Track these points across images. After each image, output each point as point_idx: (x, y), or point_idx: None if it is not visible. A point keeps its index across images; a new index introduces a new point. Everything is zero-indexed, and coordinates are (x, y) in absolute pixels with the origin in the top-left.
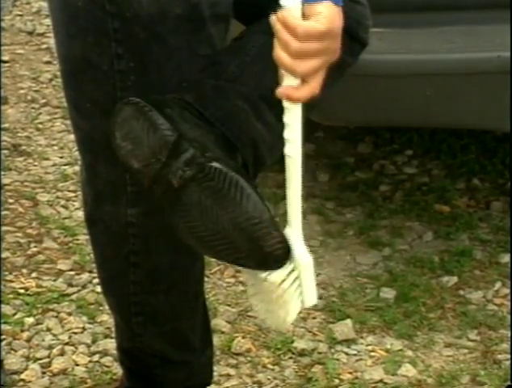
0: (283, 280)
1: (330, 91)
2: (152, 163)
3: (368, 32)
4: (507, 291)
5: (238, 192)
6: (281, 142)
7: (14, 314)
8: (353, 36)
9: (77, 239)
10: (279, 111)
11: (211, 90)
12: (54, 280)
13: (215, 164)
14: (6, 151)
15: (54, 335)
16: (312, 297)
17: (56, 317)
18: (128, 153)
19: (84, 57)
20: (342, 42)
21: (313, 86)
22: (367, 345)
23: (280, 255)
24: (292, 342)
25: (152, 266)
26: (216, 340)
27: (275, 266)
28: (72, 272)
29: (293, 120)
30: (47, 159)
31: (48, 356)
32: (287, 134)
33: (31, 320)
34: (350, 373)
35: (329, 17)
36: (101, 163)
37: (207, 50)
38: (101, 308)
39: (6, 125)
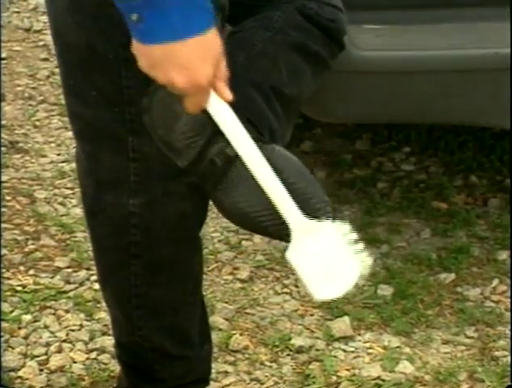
0: None
1: (308, 89)
2: (194, 141)
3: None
4: (505, 288)
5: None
6: (287, 134)
7: (12, 312)
8: (340, 44)
9: (75, 236)
10: (286, 103)
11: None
12: (51, 278)
13: (259, 142)
14: (3, 148)
15: (51, 333)
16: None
17: (54, 314)
18: (168, 133)
19: (90, 46)
20: (331, 51)
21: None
22: (365, 342)
23: None
24: (290, 339)
25: (152, 257)
26: (214, 337)
27: None
28: (69, 270)
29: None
30: (44, 156)
31: (46, 354)
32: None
33: (28, 317)
34: (348, 369)
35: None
36: (104, 152)
37: None
38: (98, 305)
39: (4, 122)
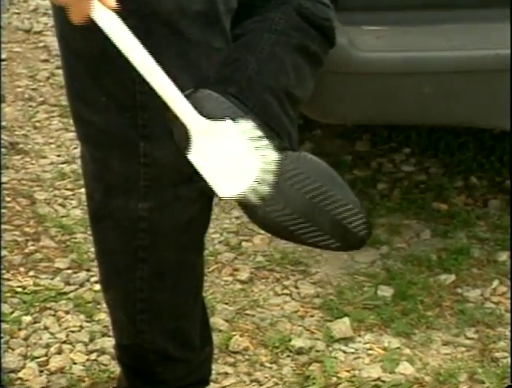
0: None
1: (309, 88)
2: None
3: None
4: (505, 289)
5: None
6: (296, 136)
7: (12, 313)
8: (332, 42)
9: (75, 238)
10: (295, 105)
11: (245, 83)
12: (51, 279)
13: (287, 151)
14: (3, 149)
15: (51, 334)
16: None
17: (54, 315)
18: None
19: (100, 50)
20: (324, 49)
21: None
22: (365, 343)
23: (365, 236)
24: (290, 340)
25: (159, 262)
26: (214, 339)
27: (360, 246)
28: (69, 271)
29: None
30: (44, 157)
31: (46, 355)
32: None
33: (28, 318)
34: (348, 371)
35: None
36: (114, 156)
37: (222, 44)
38: (98, 306)
39: (4, 124)
